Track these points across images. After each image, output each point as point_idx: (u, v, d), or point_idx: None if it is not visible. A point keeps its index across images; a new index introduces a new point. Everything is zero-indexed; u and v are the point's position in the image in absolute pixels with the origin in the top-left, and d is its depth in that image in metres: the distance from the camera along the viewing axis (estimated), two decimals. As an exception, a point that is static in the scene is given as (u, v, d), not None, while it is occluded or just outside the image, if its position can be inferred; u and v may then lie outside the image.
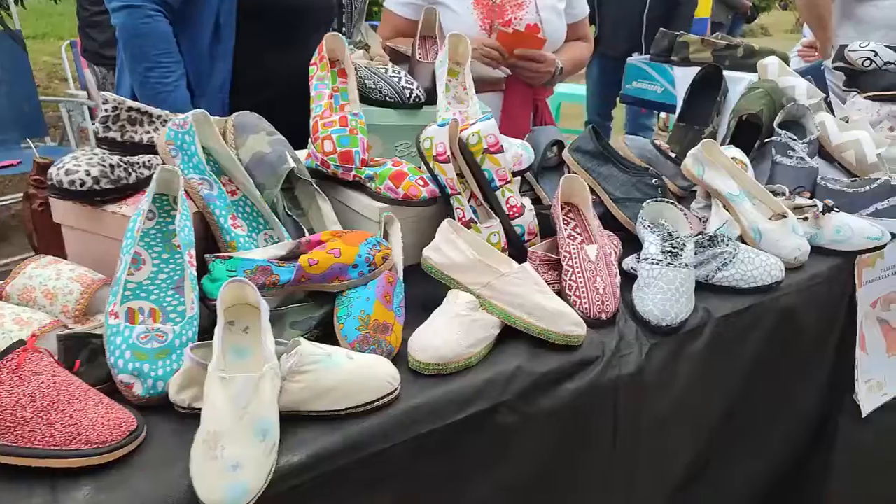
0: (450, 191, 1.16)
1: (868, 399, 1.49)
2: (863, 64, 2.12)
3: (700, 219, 1.43)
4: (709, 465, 1.29)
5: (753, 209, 1.34)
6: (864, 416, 1.46)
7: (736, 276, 1.20)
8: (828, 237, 1.36)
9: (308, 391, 0.82)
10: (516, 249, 1.21)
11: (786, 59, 1.86)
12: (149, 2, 1.50)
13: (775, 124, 1.62)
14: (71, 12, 3.98)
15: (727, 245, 1.21)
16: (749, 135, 1.67)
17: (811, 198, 1.47)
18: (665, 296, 1.09)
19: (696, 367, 1.14)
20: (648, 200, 1.25)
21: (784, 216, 1.32)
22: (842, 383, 1.46)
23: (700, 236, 1.22)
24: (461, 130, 1.18)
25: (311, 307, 0.99)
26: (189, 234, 0.94)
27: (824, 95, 1.81)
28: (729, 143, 1.63)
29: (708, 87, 1.76)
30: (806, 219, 1.37)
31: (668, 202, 1.24)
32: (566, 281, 1.12)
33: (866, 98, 2.11)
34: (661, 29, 2.01)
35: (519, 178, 1.36)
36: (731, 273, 1.20)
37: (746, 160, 1.50)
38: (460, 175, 1.20)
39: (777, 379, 1.33)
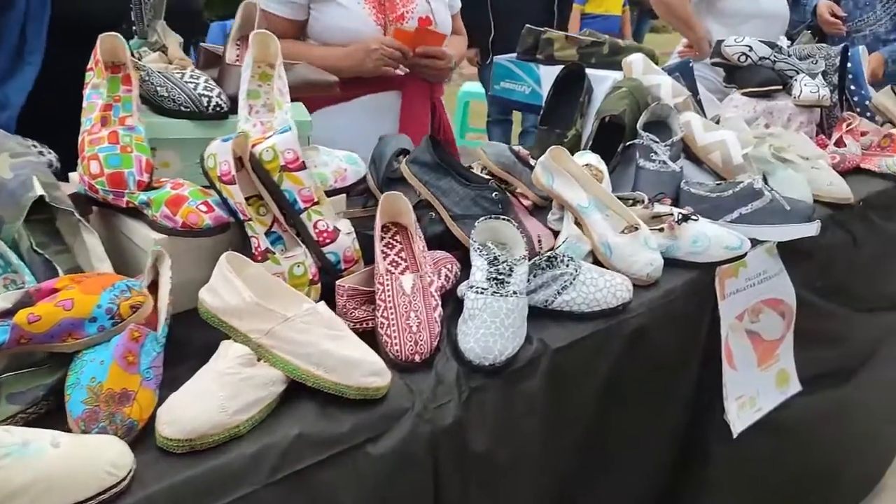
0: (241, 216, 0.98)
1: (740, 417, 1.40)
2: (738, 59, 2.07)
3: (555, 232, 1.30)
4: (567, 506, 1.17)
5: (603, 221, 1.21)
6: (735, 435, 1.36)
7: (577, 299, 1.07)
8: (684, 249, 1.25)
9: (-7, 495, 0.64)
10: (333, 280, 1.05)
11: (652, 56, 1.76)
12: None
13: (639, 126, 1.51)
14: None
15: (567, 265, 1.08)
16: (615, 137, 1.56)
17: (674, 204, 1.37)
18: (488, 330, 0.95)
19: (533, 406, 1.01)
20: (482, 218, 1.10)
21: (636, 228, 1.21)
22: (710, 400, 1.36)
23: (537, 257, 1.08)
24: (254, 145, 1.01)
25: (40, 373, 0.80)
26: None
27: (691, 93, 1.72)
28: (591, 147, 1.51)
29: (571, 88, 1.64)
30: (662, 229, 1.26)
31: (504, 219, 1.10)
32: (378, 318, 0.96)
33: (743, 94, 2.06)
34: (527, 25, 1.88)
35: (344, 195, 1.20)
36: (571, 297, 1.07)
37: (603, 167, 1.38)
38: (258, 197, 1.03)
39: (637, 405, 1.21)
